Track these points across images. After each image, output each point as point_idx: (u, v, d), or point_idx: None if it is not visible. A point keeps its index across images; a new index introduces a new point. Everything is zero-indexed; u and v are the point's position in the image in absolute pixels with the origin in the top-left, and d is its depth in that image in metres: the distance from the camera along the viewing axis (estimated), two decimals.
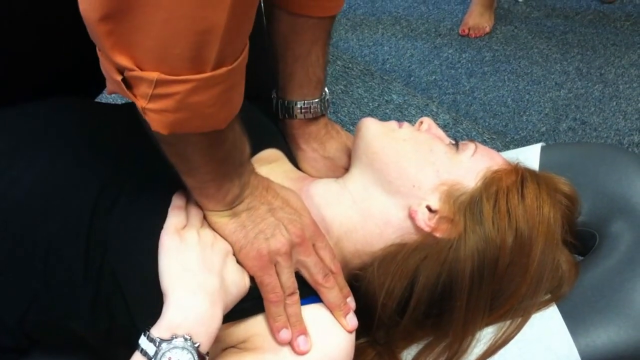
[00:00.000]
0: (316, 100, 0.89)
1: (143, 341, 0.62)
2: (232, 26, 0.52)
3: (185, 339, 0.62)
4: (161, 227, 0.70)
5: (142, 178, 0.76)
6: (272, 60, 0.89)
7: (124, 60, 0.53)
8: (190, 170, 0.67)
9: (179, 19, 0.50)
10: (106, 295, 0.71)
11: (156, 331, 0.62)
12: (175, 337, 0.62)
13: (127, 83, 0.55)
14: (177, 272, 0.66)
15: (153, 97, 0.54)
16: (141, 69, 0.53)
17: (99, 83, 0.61)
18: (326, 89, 0.91)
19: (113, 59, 0.53)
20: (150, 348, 0.61)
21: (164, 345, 0.61)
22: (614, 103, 1.95)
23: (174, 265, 0.67)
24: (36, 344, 0.78)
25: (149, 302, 0.68)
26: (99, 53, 0.55)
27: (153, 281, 0.67)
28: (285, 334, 0.70)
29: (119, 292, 0.70)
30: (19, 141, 0.78)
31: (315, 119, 0.91)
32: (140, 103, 0.55)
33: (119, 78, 0.54)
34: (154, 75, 0.53)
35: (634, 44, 2.20)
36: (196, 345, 0.62)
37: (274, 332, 0.71)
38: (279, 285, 0.71)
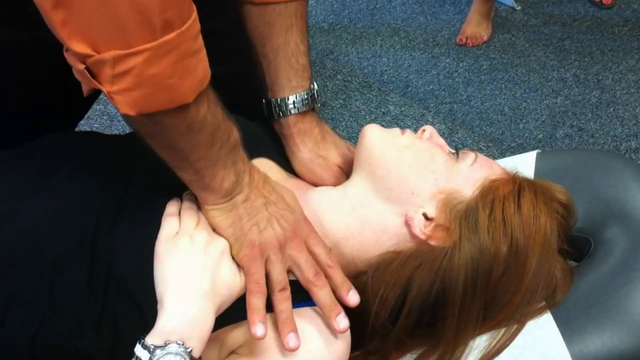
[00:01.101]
0: (306, 91, 0.89)
1: (137, 349, 0.63)
2: None
3: (179, 345, 0.62)
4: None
5: (140, 199, 0.77)
6: (258, 65, 0.89)
7: (81, 47, 0.55)
8: (181, 162, 0.68)
9: None
10: (112, 310, 0.71)
11: (150, 338, 0.63)
12: (169, 343, 0.62)
13: (91, 72, 0.57)
14: (169, 279, 0.67)
15: (115, 78, 0.56)
16: (98, 53, 0.55)
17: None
18: (315, 84, 0.91)
19: (73, 49, 0.55)
20: (144, 355, 0.62)
21: (157, 351, 0.62)
22: (611, 109, 1.94)
23: (166, 273, 0.67)
24: None
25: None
26: (65, 54, 0.57)
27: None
28: (260, 329, 0.68)
29: (128, 304, 0.71)
30: (27, 174, 0.79)
31: (308, 114, 0.91)
32: (106, 88, 0.57)
33: (82, 67, 0.56)
34: (110, 54, 0.55)
35: (632, 49, 2.19)
36: (189, 350, 0.63)
37: (250, 324, 0.68)
38: (263, 277, 0.71)
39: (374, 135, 0.82)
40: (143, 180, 0.78)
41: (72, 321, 0.71)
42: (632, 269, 0.81)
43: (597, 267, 0.83)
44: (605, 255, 0.84)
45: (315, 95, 0.91)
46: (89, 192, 0.77)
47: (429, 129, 0.85)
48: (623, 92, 2.00)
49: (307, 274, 0.73)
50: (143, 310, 0.70)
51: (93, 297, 0.71)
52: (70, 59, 0.57)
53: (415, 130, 0.86)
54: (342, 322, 0.72)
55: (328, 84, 1.89)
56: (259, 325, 0.68)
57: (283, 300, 0.71)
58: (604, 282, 0.81)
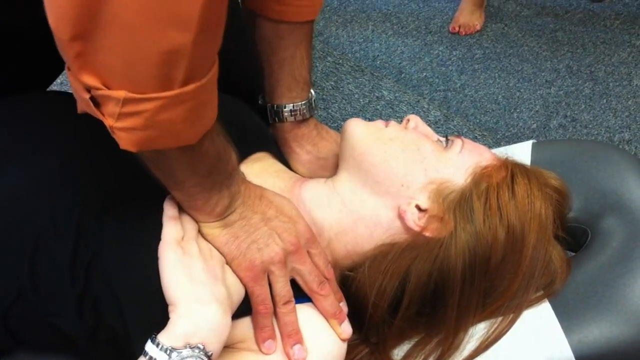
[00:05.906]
0: (304, 102, 0.89)
1: (152, 349, 0.61)
2: (199, 45, 0.52)
3: (199, 348, 0.61)
4: (157, 231, 0.69)
5: (136, 181, 0.74)
6: (259, 65, 0.89)
7: (91, 80, 0.52)
8: (175, 184, 0.67)
9: (144, 40, 0.49)
10: (94, 294, 0.70)
11: (167, 340, 0.61)
12: (189, 347, 0.61)
13: (95, 101, 0.54)
14: (186, 284, 0.65)
15: (121, 116, 0.53)
16: (108, 88, 0.52)
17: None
18: (312, 91, 0.92)
19: (81, 79, 0.52)
20: (161, 356, 0.61)
21: (174, 354, 0.61)
22: (604, 101, 1.95)
23: (181, 278, 0.66)
24: (20, 344, 0.77)
25: (144, 308, 0.68)
26: (67, 72, 0.55)
27: (150, 288, 0.67)
28: (270, 345, 0.70)
29: (110, 293, 0.69)
30: (18, 136, 0.77)
31: (304, 120, 0.91)
32: (109, 122, 0.54)
33: (87, 96, 0.53)
34: (121, 94, 0.52)
35: (624, 42, 2.20)
36: (209, 354, 0.62)
37: (258, 342, 0.71)
38: (269, 297, 0.71)
39: (357, 130, 0.81)
40: (138, 167, 0.76)
41: (52, 298, 0.70)
42: (629, 260, 0.81)
43: (595, 258, 0.83)
44: (602, 246, 0.84)
45: (313, 105, 0.91)
46: (82, 169, 0.75)
47: (413, 119, 0.84)
48: (615, 85, 2.01)
49: (312, 284, 0.73)
50: (122, 306, 0.69)
51: (74, 277, 0.69)
52: (74, 83, 0.54)
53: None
54: (347, 329, 0.74)
55: (318, 64, 1.87)
56: (269, 342, 0.71)
57: (288, 313, 0.72)
58: (602, 273, 0.81)
